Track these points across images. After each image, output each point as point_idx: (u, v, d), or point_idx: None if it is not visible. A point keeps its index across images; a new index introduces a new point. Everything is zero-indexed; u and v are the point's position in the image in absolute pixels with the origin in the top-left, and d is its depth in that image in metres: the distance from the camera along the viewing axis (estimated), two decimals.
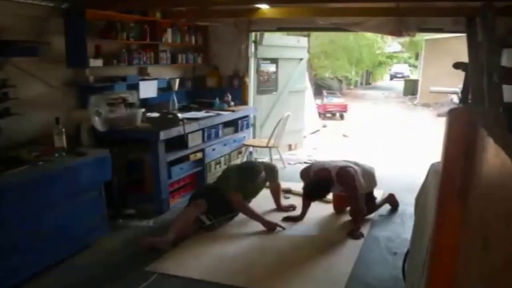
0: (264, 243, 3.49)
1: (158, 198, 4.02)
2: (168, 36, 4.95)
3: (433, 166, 2.05)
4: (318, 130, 9.71)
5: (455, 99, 10.56)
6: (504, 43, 3.81)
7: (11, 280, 2.64)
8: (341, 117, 12.79)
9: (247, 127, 5.74)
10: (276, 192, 4.20)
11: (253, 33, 5.85)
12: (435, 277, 1.05)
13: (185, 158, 4.40)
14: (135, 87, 4.47)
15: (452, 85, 10.76)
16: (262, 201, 4.14)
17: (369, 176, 3.92)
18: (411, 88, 19.71)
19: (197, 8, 4.99)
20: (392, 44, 22.11)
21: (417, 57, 23.53)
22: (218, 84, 5.92)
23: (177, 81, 5.10)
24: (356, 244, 3.46)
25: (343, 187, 3.80)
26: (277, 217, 3.90)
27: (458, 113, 0.96)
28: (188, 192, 4.38)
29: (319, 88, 16.68)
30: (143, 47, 4.66)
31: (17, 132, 3.37)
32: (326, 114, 12.54)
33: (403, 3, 4.21)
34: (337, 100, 13.43)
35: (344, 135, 9.67)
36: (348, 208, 3.98)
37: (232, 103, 5.60)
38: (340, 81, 21.64)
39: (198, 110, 5.16)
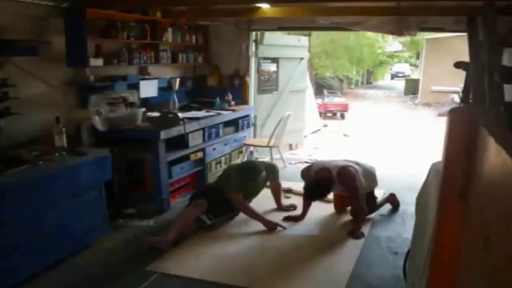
0: (264, 242, 3.49)
1: (159, 197, 4.02)
2: (169, 35, 4.95)
3: (434, 166, 2.05)
4: (318, 130, 9.71)
5: (456, 98, 10.55)
6: (505, 43, 3.80)
7: (11, 279, 2.64)
8: (342, 116, 12.79)
9: (248, 126, 5.74)
10: (277, 192, 4.19)
11: (254, 33, 5.84)
12: (436, 276, 1.05)
13: (186, 157, 4.39)
14: (135, 86, 4.47)
15: (453, 84, 10.75)
16: (263, 200, 4.13)
17: (370, 176, 3.91)
18: (412, 88, 19.72)
19: (197, 7, 4.99)
20: (393, 43, 22.08)
21: (418, 56, 23.58)
22: (218, 84, 5.92)
23: (178, 80, 5.10)
24: (357, 243, 3.45)
25: (344, 187, 3.80)
26: (277, 217, 3.89)
27: (459, 113, 0.96)
28: (188, 192, 4.38)
29: (320, 88, 16.67)
30: (143, 47, 4.66)
31: (17, 131, 3.36)
32: (326, 113, 12.54)
33: (404, 2, 4.20)
34: (338, 100, 13.42)
35: (344, 135, 9.67)
36: (349, 208, 3.98)
37: (233, 103, 5.59)
38: (341, 80, 21.62)
39: (199, 109, 5.15)
